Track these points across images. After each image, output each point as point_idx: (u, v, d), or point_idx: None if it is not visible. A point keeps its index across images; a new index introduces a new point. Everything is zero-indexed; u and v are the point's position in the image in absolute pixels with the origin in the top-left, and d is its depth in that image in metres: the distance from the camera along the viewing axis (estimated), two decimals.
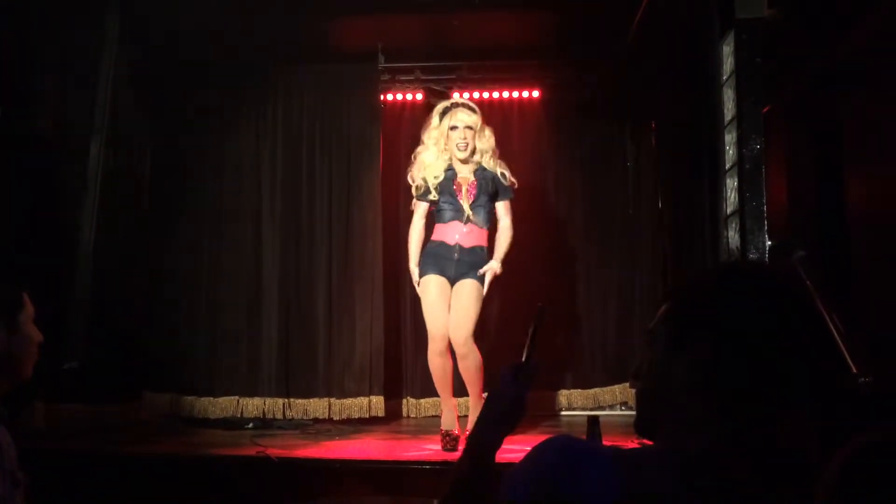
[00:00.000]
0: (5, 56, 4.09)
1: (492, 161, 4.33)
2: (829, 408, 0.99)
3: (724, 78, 3.69)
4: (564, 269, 5.65)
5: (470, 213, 4.25)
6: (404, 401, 5.59)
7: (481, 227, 4.28)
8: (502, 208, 4.36)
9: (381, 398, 5.22)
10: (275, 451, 3.76)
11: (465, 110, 4.34)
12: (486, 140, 4.33)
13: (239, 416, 5.16)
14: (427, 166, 4.32)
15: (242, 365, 5.30)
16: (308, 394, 5.24)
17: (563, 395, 5.53)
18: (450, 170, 4.30)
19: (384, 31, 5.28)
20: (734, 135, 3.57)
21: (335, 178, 5.49)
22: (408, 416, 5.53)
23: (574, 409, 5.45)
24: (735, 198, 3.56)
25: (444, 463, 3.64)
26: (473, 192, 4.27)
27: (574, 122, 5.72)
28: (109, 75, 4.47)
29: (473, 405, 4.21)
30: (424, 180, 4.31)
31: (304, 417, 5.16)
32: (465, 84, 5.68)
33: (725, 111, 3.68)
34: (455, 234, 4.26)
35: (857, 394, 2.45)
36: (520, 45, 5.40)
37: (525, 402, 1.35)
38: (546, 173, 5.73)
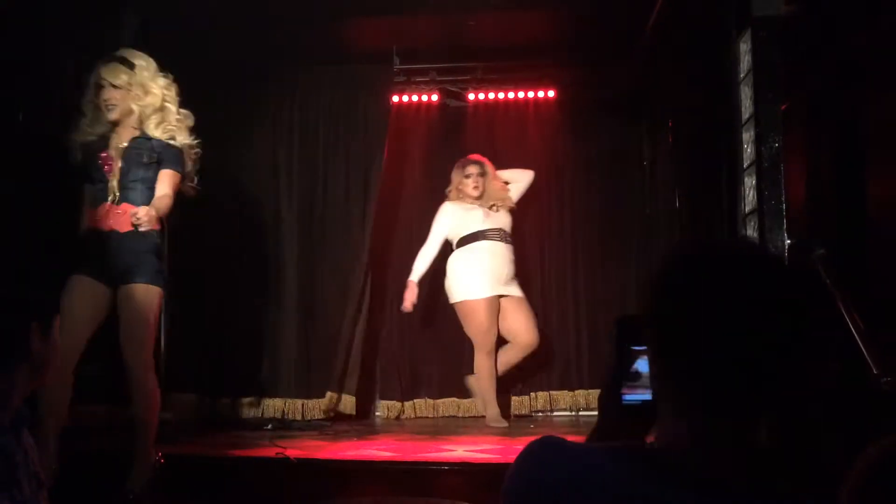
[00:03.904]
0: (25, 59, 4.12)
1: (155, 120, 3.49)
2: (838, 408, 0.97)
3: (742, 76, 3.66)
4: (581, 269, 5.63)
5: (116, 191, 3.47)
6: (422, 401, 5.60)
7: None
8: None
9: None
10: (293, 452, 3.77)
11: (111, 65, 3.46)
12: (152, 98, 3.51)
13: (260, 416, 5.20)
14: None
15: (263, 366, 5.33)
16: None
17: (581, 396, 5.51)
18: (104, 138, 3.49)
19: (400, 32, 5.29)
20: (752, 133, 3.54)
21: (352, 179, 5.50)
22: (425, 417, 5.54)
23: (592, 410, 5.44)
24: (753, 196, 3.53)
25: (462, 464, 3.64)
26: (117, 164, 3.46)
27: (590, 121, 5.70)
28: None
29: None
30: None
31: (323, 418, 5.19)
32: (481, 84, 5.68)
33: (743, 109, 3.65)
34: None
35: (880, 394, 2.43)
36: (535, 45, 5.38)
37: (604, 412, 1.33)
38: (562, 173, 5.72)
